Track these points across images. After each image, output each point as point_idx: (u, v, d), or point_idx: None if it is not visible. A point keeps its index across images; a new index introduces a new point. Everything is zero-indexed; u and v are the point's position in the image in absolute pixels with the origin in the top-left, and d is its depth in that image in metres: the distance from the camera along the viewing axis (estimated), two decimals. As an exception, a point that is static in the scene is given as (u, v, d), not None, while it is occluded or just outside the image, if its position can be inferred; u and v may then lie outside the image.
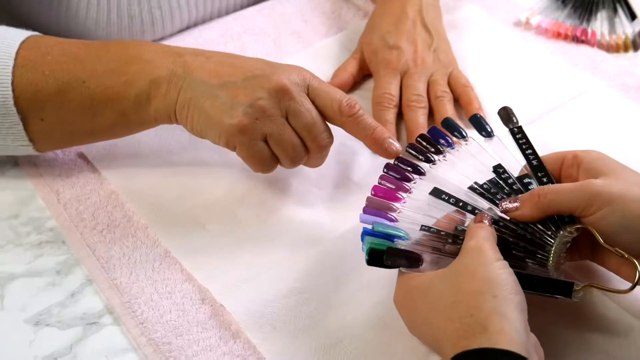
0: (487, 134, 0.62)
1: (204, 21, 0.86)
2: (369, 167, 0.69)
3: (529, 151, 0.59)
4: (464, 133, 0.61)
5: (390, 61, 0.75)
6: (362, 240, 0.54)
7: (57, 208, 0.65)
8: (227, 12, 0.87)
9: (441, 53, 0.77)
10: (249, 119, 0.59)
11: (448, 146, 0.60)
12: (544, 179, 0.57)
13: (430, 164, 0.60)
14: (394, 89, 0.74)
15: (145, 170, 0.67)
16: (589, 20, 0.85)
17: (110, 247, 0.62)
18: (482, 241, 0.51)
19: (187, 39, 0.82)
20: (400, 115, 0.73)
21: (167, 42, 0.82)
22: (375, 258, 0.52)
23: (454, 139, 0.62)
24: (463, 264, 0.50)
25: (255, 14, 0.86)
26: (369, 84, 0.78)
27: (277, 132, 0.60)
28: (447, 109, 0.73)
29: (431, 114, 0.74)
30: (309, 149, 0.62)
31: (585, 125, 0.74)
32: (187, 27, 0.84)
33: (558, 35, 0.84)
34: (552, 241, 0.53)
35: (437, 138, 0.62)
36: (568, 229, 0.54)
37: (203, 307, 0.58)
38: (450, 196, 0.56)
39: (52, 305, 0.59)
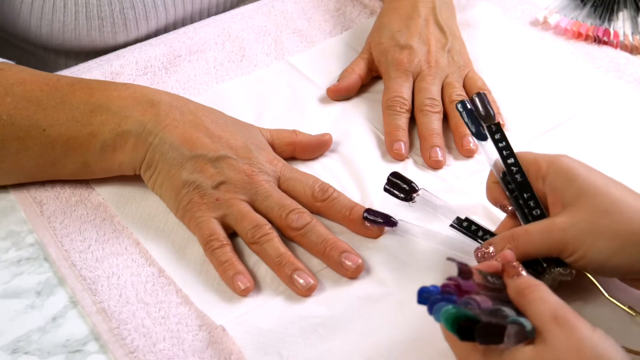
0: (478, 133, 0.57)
1: (183, 22, 0.82)
2: (381, 183, 0.64)
3: (511, 160, 0.55)
4: (415, 186, 0.60)
5: (401, 62, 0.71)
6: (432, 312, 0.45)
7: (40, 221, 0.61)
8: (210, 14, 0.83)
9: (456, 54, 0.73)
10: (208, 200, 0.58)
11: None
12: (531, 202, 0.53)
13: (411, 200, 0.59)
14: (406, 92, 0.69)
15: (138, 180, 0.63)
16: (610, 20, 0.81)
17: (97, 265, 0.58)
18: (557, 307, 0.44)
19: (182, 39, 0.78)
20: (412, 121, 0.69)
21: (158, 41, 0.77)
22: (467, 332, 0.43)
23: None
24: (556, 350, 0.43)
25: (255, 12, 0.82)
26: (378, 87, 0.73)
27: (236, 213, 0.58)
28: (464, 114, 0.68)
29: (446, 119, 0.69)
30: (280, 229, 0.59)
31: (609, 133, 0.70)
32: (165, 28, 0.80)
33: (579, 36, 0.79)
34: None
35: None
36: (560, 271, 0.51)
37: (200, 334, 0.53)
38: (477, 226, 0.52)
39: (32, 331, 0.54)
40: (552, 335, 0.43)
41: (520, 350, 0.44)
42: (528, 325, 0.44)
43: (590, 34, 0.79)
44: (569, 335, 0.43)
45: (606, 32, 0.79)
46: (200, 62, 0.75)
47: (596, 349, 0.43)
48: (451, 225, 0.57)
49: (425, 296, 0.45)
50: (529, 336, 0.44)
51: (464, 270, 0.45)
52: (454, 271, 0.46)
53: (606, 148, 0.68)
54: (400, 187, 0.60)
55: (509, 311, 0.44)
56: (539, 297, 0.45)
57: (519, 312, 0.45)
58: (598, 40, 0.79)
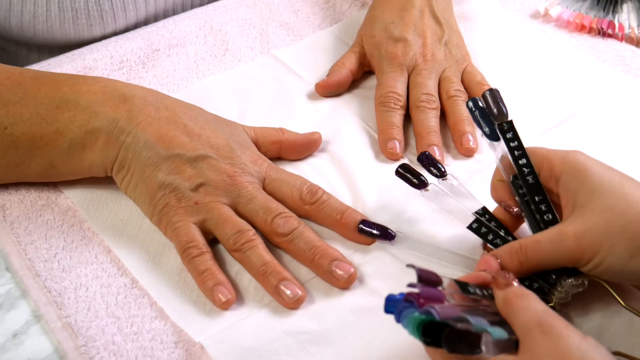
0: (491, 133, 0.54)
1: (164, 14, 0.78)
2: (374, 184, 0.61)
3: (523, 161, 0.52)
4: (442, 169, 0.57)
5: (395, 55, 0.67)
6: (400, 319, 0.42)
7: (2, 227, 0.57)
8: (193, 5, 0.80)
9: (453, 47, 0.69)
10: (185, 203, 0.54)
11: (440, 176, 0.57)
12: (542, 206, 0.50)
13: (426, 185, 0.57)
14: (400, 87, 0.66)
15: (110, 182, 0.59)
16: (614, 12, 0.78)
17: (64, 275, 0.54)
18: (543, 315, 0.42)
19: (161, 32, 0.74)
20: (407, 118, 0.66)
21: (135, 35, 0.73)
22: (434, 336, 0.41)
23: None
24: (538, 356, 0.40)
25: (239, 4, 0.78)
26: (371, 82, 0.70)
27: (217, 217, 0.54)
28: (462, 110, 0.65)
29: (443, 116, 0.66)
30: (265, 235, 0.55)
31: (616, 130, 0.66)
32: (145, 21, 0.77)
33: (582, 28, 0.76)
34: (553, 290, 0.49)
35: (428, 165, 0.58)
36: (573, 282, 0.48)
37: (176, 352, 0.49)
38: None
39: (-10, 349, 0.50)
40: (535, 344, 0.41)
41: None
42: (496, 333, 0.41)
43: (594, 26, 0.75)
44: (554, 343, 0.40)
45: (611, 24, 0.75)
46: (180, 56, 0.72)
47: (584, 359, 0.40)
48: (474, 213, 0.54)
49: (392, 304, 0.43)
50: (513, 347, 0.42)
51: (425, 278, 0.43)
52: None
53: (613, 145, 0.64)
54: (410, 181, 0.57)
55: (477, 320, 0.41)
56: (526, 305, 0.43)
57: (502, 324, 0.43)
58: (602, 33, 0.75)
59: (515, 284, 0.45)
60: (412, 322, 0.40)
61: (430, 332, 0.40)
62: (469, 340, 0.40)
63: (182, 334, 0.50)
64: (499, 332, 0.41)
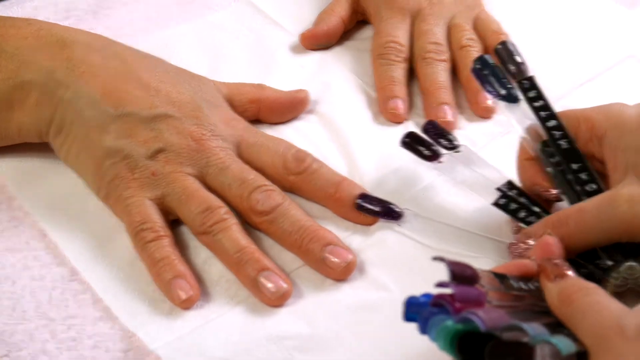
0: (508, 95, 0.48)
1: None
2: (372, 151, 0.55)
3: (552, 123, 0.46)
4: (453, 140, 0.51)
5: None
6: (426, 330, 0.35)
7: None
8: None
9: None
10: (140, 174, 0.48)
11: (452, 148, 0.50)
12: (583, 175, 0.44)
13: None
14: (402, 36, 0.60)
15: (46, 149, 0.53)
16: (644, -45, 0.69)
17: None
18: (623, 317, 0.34)
19: None
20: (411, 73, 0.60)
21: None
22: (471, 350, 0.34)
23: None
24: None
25: None
26: (366, 32, 0.64)
27: (180, 191, 0.48)
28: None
29: (454, 70, 0.60)
30: (241, 213, 0.49)
31: None
32: None
33: (609, -28, 0.68)
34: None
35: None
36: (632, 266, 0.41)
37: None
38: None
39: None
40: (617, 355, 0.34)
41: None
42: (566, 347, 0.33)
43: (624, -31, 0.68)
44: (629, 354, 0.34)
45: (642, -33, 0.68)
46: (138, 4, 0.66)
47: None
48: (498, 189, 0.47)
49: (415, 310, 0.36)
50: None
51: (459, 274, 0.35)
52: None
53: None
54: (420, 153, 0.50)
55: (534, 328, 0.33)
56: (594, 302, 0.36)
57: (557, 328, 0.35)
58: (632, -22, 0.68)
59: (571, 273, 0.37)
60: (444, 333, 0.32)
61: (467, 345, 0.32)
62: (519, 354, 0.32)
63: (134, 340, 0.43)
64: (566, 345, 0.32)
